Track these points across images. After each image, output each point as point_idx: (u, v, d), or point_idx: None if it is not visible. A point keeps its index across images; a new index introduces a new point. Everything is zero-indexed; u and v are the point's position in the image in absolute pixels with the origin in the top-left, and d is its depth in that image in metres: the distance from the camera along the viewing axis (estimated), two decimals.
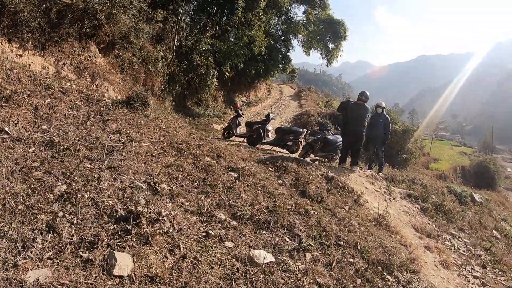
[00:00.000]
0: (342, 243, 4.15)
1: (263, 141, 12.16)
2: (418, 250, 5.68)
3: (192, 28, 18.45)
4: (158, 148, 5.44)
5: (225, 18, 22.41)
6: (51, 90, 6.34)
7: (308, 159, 10.08)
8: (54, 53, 9.67)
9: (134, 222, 3.30)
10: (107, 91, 10.38)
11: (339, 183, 6.72)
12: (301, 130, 11.97)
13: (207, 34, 19.03)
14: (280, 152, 12.05)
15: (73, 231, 3.05)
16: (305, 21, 29.08)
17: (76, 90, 6.91)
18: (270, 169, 6.50)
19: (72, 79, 9.31)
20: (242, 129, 13.95)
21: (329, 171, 7.36)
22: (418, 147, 40.77)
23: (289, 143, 11.85)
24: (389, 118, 10.16)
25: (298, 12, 36.20)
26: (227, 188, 4.68)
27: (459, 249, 7.02)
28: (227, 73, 21.81)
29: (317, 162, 10.48)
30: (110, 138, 5.27)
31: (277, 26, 29.46)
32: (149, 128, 6.12)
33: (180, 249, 3.19)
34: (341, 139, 10.56)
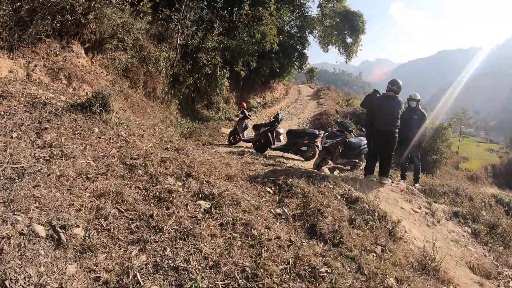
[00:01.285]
0: None
1: (272, 146, 10.45)
2: None
3: (198, 25, 16.97)
4: (102, 166, 3.83)
5: (235, 14, 20.89)
6: None
7: (325, 169, 8.29)
8: (25, 54, 8.38)
9: None
10: (86, 94, 8.89)
11: (366, 206, 4.93)
12: (317, 132, 10.24)
13: (215, 32, 17.48)
14: (292, 158, 10.35)
15: None
16: (320, 15, 27.23)
17: (23, 94, 5.44)
18: (269, 189, 4.79)
19: (44, 82, 8.05)
20: (250, 133, 12.34)
21: (352, 188, 5.59)
22: (446, 146, 38.02)
23: (303, 148, 10.14)
24: (425, 113, 8.09)
25: (313, 6, 34.28)
26: (183, 232, 2.98)
27: None
28: (241, 71, 20.18)
29: (337, 172, 8.74)
30: (33, 154, 3.71)
31: (292, 22, 27.71)
32: (100, 138, 4.53)
33: None
34: (366, 141, 8.76)
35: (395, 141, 6.91)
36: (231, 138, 12.32)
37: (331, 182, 5.64)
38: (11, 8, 7.71)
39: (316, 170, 8.11)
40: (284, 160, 9.09)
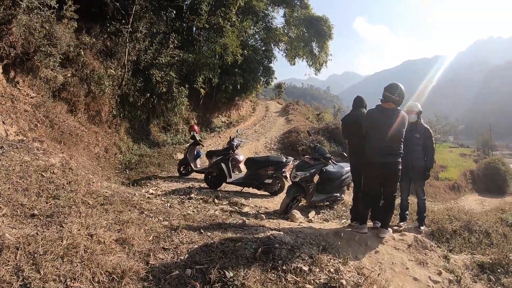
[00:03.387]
0: None
1: (228, 180, 8.43)
2: None
3: (152, 38, 15.21)
4: None
5: (193, 27, 19.20)
6: None
7: (297, 214, 6.27)
8: None
9: None
10: None
11: None
12: (284, 159, 8.35)
13: (170, 45, 15.75)
14: (255, 194, 8.50)
15: None
16: (285, 25, 26.11)
17: None
18: None
19: None
20: (204, 161, 10.72)
21: (341, 265, 3.66)
22: None
23: (268, 181, 8.22)
24: (430, 130, 6.07)
25: (277, 17, 33.14)
26: None
27: None
28: (201, 89, 18.33)
29: (313, 213, 6.86)
30: None
31: (256, 35, 26.38)
32: None
33: None
34: (348, 169, 6.92)
35: (398, 175, 4.92)
36: (181, 169, 10.35)
37: (305, 258, 3.61)
38: None
39: (284, 216, 6.31)
40: (243, 200, 7.20)
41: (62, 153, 7.72)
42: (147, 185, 8.61)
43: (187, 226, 4.05)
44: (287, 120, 25.70)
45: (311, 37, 25.96)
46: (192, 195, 6.97)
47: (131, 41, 14.10)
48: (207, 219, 4.61)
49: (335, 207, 7.56)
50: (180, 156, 12.53)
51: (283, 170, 8.20)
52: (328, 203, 7.48)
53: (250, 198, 7.67)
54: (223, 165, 8.33)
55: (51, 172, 4.62)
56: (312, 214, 6.80)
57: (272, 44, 26.54)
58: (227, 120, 23.97)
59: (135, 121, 14.82)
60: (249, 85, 23.22)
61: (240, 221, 4.96)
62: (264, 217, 5.87)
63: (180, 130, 17.31)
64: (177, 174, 10.33)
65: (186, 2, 18.88)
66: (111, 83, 12.79)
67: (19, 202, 3.45)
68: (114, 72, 13.27)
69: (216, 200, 6.81)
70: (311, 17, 25.38)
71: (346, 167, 7.34)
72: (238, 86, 21.70)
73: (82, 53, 11.99)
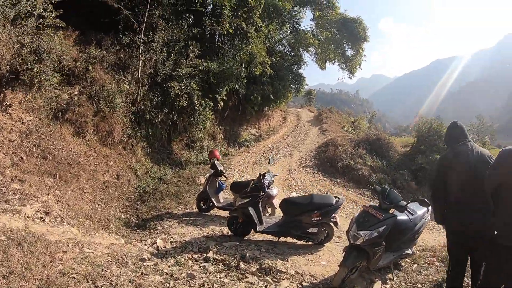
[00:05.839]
0: None
1: (258, 229, 6.17)
2: None
3: (170, 48, 13.66)
4: None
5: (216, 34, 17.58)
6: None
7: None
8: None
9: None
10: None
11: None
12: (333, 201, 6.03)
13: (191, 55, 14.15)
14: (294, 243, 6.37)
15: None
16: (314, 28, 24.22)
17: None
18: None
19: None
20: (228, 195, 8.96)
21: None
22: None
23: (312, 230, 6.02)
24: None
25: (305, 18, 30.83)
26: None
27: None
28: (221, 102, 16.39)
29: (378, 285, 4.61)
30: None
31: (283, 40, 24.60)
32: None
33: None
34: (423, 212, 5.02)
35: None
36: (201, 204, 8.36)
37: None
38: None
39: None
40: (279, 263, 5.07)
41: (48, 194, 6.05)
42: (157, 229, 6.78)
43: None
44: (321, 130, 23.44)
45: (343, 38, 24.02)
46: (210, 254, 4.97)
47: (147, 52, 12.61)
48: None
49: (403, 264, 5.39)
50: (203, 179, 10.73)
51: (333, 214, 6.00)
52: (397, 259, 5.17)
53: (289, 258, 5.40)
54: (251, 210, 6.15)
55: None
56: (377, 286, 4.60)
57: (301, 49, 24.68)
58: (256, 132, 22.11)
59: (154, 140, 13.20)
60: (279, 94, 21.41)
61: None
62: None
63: (205, 147, 15.55)
64: (196, 210, 8.43)
65: (207, 10, 17.34)
66: (124, 99, 11.35)
67: None
68: (128, 87, 11.79)
69: (241, 264, 4.82)
70: (344, 19, 23.44)
71: (419, 210, 5.15)
72: (270, 96, 20.04)
73: (91, 67, 10.70)
